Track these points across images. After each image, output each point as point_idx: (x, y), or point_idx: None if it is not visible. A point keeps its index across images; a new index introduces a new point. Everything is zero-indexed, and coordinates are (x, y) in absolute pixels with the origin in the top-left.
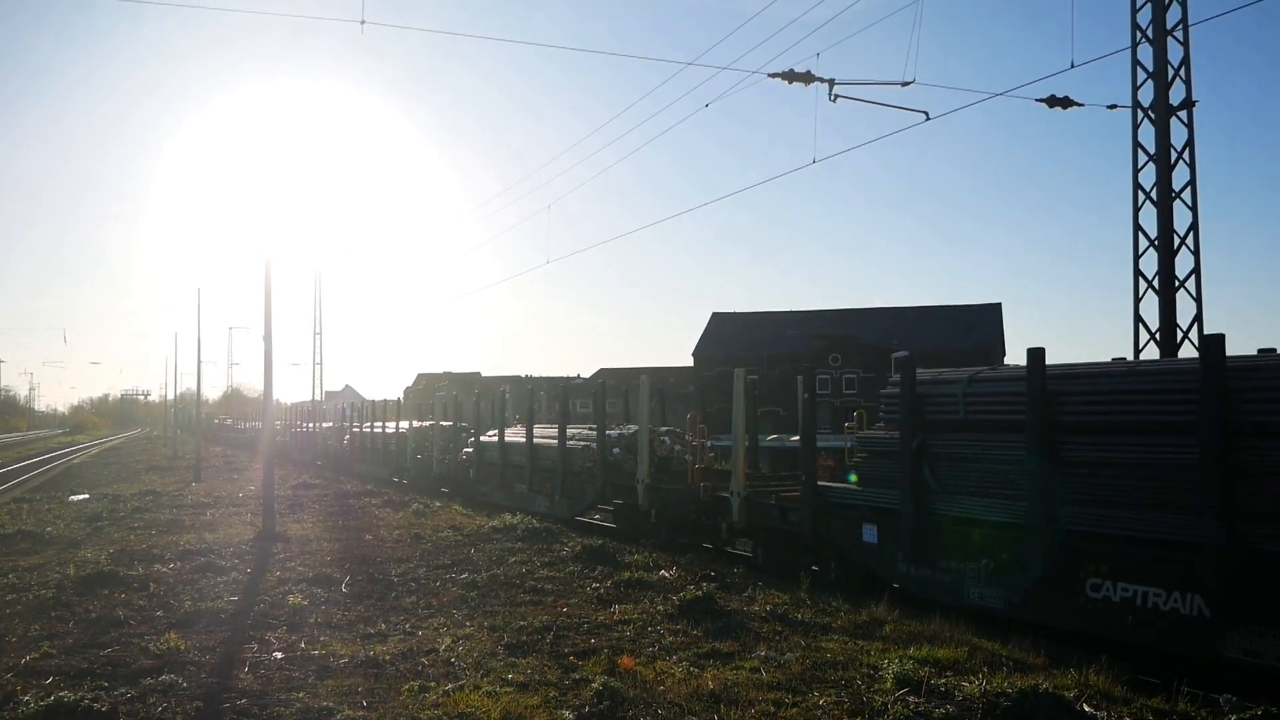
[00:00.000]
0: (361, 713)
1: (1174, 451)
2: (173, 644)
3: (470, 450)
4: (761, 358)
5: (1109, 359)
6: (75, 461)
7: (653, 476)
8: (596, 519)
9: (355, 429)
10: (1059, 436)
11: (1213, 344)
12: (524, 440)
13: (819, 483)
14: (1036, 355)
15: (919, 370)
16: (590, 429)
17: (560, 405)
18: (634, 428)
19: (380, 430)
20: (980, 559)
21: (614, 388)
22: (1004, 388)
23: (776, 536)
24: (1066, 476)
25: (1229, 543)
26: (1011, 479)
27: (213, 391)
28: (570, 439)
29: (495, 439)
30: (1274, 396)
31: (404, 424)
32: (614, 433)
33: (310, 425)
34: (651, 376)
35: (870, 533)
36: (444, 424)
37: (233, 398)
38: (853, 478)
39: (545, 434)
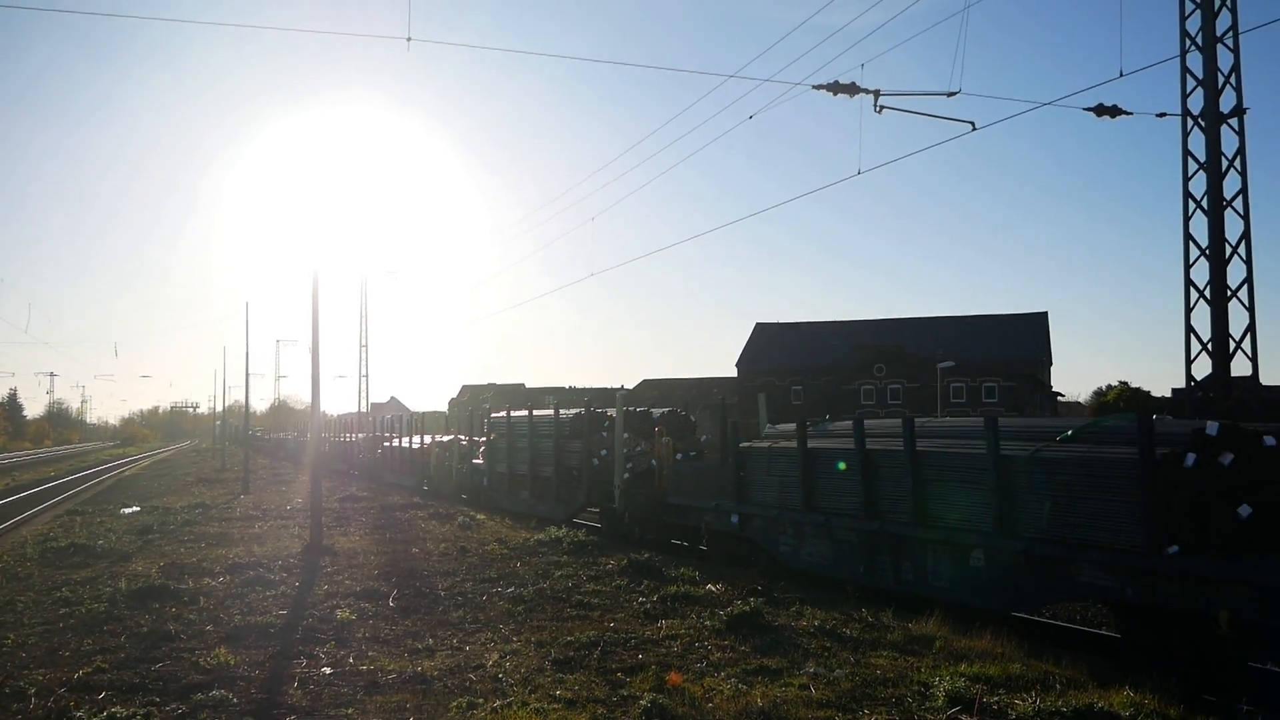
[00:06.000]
0: None
1: (545, 441)
2: (222, 659)
3: (379, 451)
4: (805, 368)
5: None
6: (126, 474)
7: (440, 462)
8: (425, 489)
9: (336, 439)
10: (514, 440)
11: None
12: (399, 445)
13: (473, 460)
14: (524, 405)
15: (557, 406)
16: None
17: (445, 420)
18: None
19: (349, 439)
20: (509, 487)
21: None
22: (501, 418)
23: (470, 489)
24: (520, 451)
25: (556, 468)
26: (505, 454)
27: (260, 404)
28: (416, 445)
29: (388, 444)
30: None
31: (360, 435)
32: (446, 439)
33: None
34: (695, 387)
35: (486, 482)
36: (373, 434)
37: (280, 409)
38: None
39: (418, 442)
